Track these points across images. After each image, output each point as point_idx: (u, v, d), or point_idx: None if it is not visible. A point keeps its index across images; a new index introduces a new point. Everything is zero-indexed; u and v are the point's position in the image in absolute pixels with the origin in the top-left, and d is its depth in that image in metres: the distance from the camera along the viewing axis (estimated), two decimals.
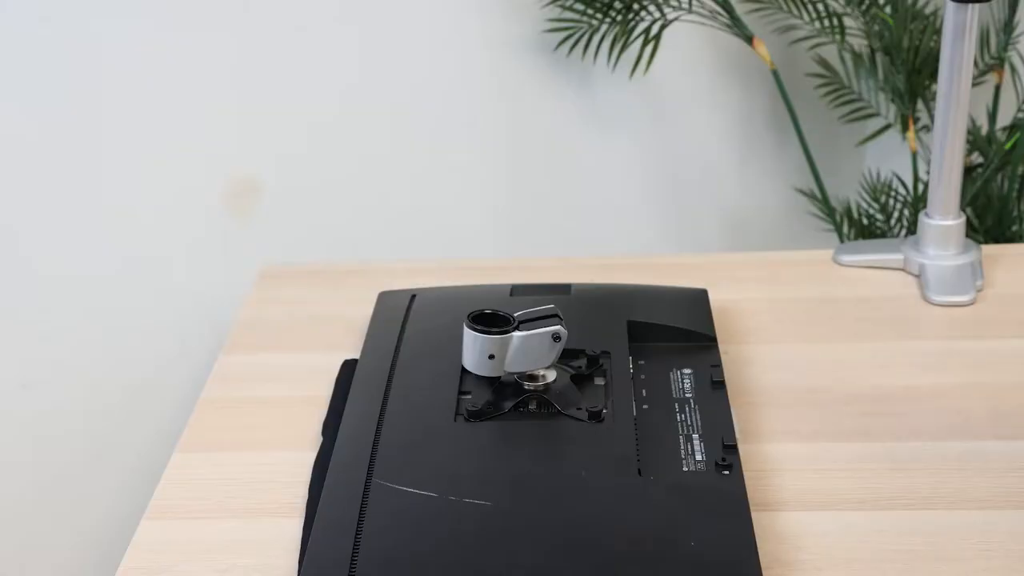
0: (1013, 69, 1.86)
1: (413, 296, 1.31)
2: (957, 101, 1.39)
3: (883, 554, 1.01)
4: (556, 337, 1.10)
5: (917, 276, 1.43)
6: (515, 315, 1.09)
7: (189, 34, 1.67)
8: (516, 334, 1.09)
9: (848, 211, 1.91)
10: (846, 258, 1.47)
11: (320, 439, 1.15)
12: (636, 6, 1.82)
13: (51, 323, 1.70)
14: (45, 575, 1.78)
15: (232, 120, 1.72)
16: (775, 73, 1.84)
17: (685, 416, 1.11)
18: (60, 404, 1.72)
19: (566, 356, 1.14)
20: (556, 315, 1.10)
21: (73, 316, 1.70)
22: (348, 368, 1.24)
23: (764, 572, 0.97)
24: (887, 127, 1.92)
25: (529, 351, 1.10)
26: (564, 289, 1.30)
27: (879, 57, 1.86)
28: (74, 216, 1.67)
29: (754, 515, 1.02)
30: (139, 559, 1.03)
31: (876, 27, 1.85)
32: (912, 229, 1.84)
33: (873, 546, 1.02)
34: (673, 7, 1.82)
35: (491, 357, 1.09)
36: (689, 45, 1.92)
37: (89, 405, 1.74)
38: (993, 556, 1.00)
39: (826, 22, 1.89)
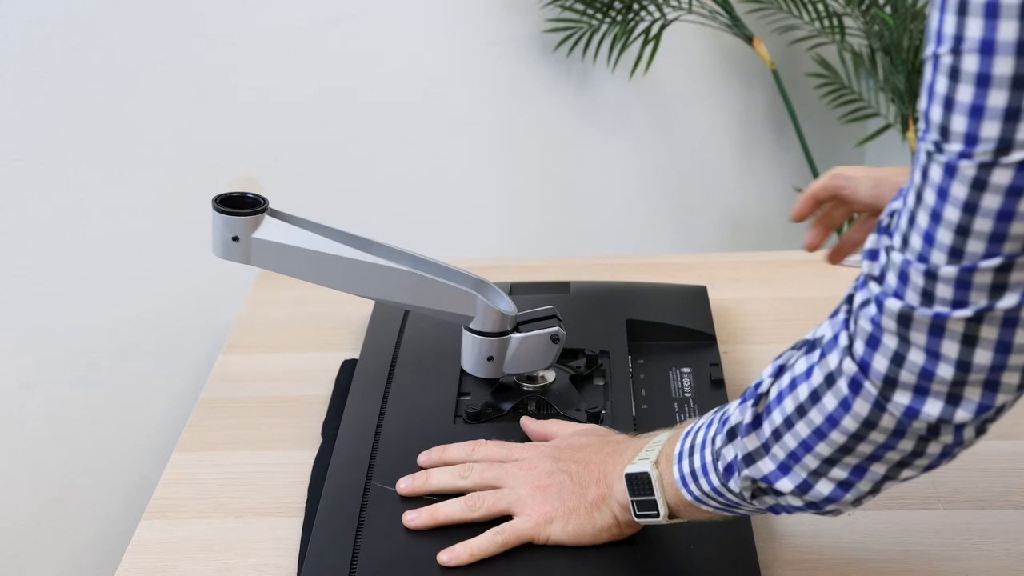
0: None
1: None
2: None
3: (883, 554, 1.01)
4: (555, 339, 1.10)
5: None
6: (512, 314, 1.09)
7: (191, 33, 1.67)
8: (515, 336, 1.09)
9: None
10: (846, 258, 1.47)
11: (320, 439, 1.15)
12: (636, 6, 1.82)
13: (51, 323, 1.70)
14: (45, 574, 1.78)
15: (233, 120, 1.72)
16: (775, 73, 1.84)
17: (685, 416, 1.11)
18: (60, 404, 1.72)
19: (565, 356, 1.14)
20: (555, 316, 1.10)
21: (73, 316, 1.70)
22: (348, 368, 1.24)
23: (764, 572, 0.97)
24: (887, 127, 1.92)
25: (528, 352, 1.10)
26: (563, 287, 1.30)
27: (879, 57, 1.86)
28: (74, 216, 1.67)
29: (754, 515, 1.02)
30: (139, 558, 1.03)
31: (876, 27, 1.85)
32: None
33: (873, 546, 1.02)
34: (673, 7, 1.82)
35: (490, 359, 1.09)
36: (689, 45, 1.92)
37: (89, 405, 1.73)
38: (993, 556, 1.01)
39: (826, 22, 1.89)
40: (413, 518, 0.97)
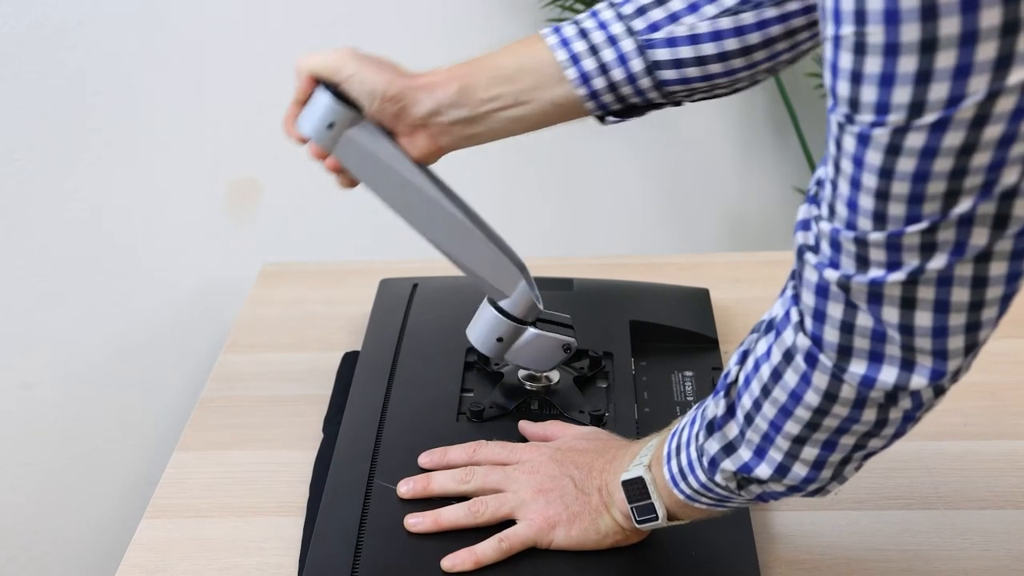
0: None
1: (415, 285, 1.30)
2: None
3: (883, 554, 1.01)
4: (567, 348, 1.09)
5: None
6: (539, 307, 1.08)
7: (191, 34, 1.67)
8: (531, 329, 1.07)
9: None
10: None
11: (321, 435, 1.15)
12: None
13: (51, 323, 1.70)
14: (46, 574, 1.78)
15: (233, 120, 1.72)
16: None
17: None
18: (60, 404, 1.72)
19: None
20: (572, 327, 1.10)
21: (73, 316, 1.70)
22: (350, 360, 1.24)
23: (764, 572, 0.97)
24: None
25: (536, 350, 1.09)
26: (566, 284, 1.30)
27: None
28: (74, 216, 1.67)
29: (754, 515, 1.02)
30: (139, 558, 1.03)
31: None
32: None
33: (873, 546, 1.02)
34: None
35: (499, 340, 1.07)
36: None
37: (89, 405, 1.74)
38: (993, 556, 1.01)
39: None
40: (416, 523, 0.97)
